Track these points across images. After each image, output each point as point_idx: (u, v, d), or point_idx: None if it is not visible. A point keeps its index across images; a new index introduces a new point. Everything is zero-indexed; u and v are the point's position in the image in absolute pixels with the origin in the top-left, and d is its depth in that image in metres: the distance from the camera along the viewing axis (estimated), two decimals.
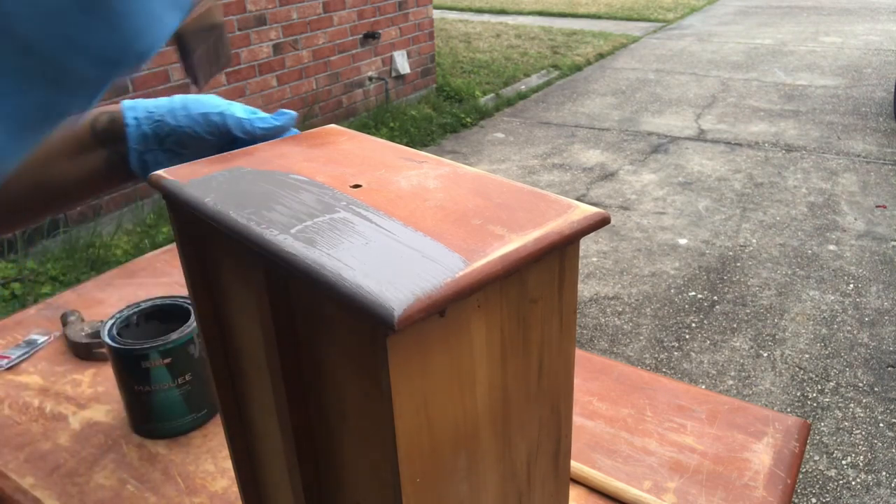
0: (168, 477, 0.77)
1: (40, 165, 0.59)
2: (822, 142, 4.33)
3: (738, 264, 3.02)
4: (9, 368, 0.95)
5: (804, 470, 2.00)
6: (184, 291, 1.06)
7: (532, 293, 0.41)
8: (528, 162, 4.22)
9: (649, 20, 8.23)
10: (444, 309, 0.35)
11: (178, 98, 0.60)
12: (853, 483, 1.95)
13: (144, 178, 0.59)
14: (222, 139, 0.59)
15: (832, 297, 2.76)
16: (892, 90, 4.92)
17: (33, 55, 0.27)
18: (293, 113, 0.57)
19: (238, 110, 0.58)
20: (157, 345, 0.78)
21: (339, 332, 0.40)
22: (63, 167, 0.60)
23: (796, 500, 1.91)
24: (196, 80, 0.58)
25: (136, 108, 0.59)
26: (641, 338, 2.57)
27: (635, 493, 0.71)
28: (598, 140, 4.53)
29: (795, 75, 5.75)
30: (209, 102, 0.59)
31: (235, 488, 0.63)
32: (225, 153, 0.51)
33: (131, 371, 0.79)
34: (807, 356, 2.44)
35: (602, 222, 0.41)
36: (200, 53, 0.56)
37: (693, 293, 2.83)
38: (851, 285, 2.84)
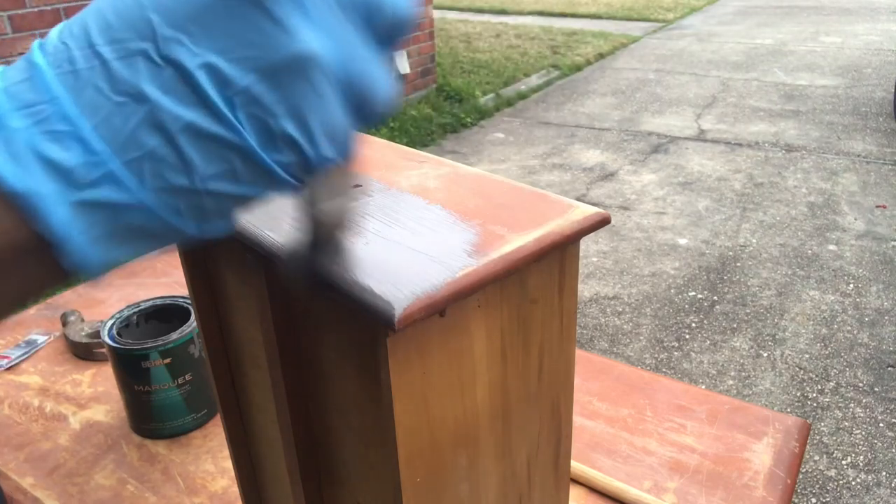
0: (168, 477, 0.77)
1: None
2: (822, 142, 4.33)
3: (738, 264, 3.02)
4: (9, 368, 0.95)
5: (804, 470, 2.00)
6: (184, 291, 1.05)
7: (532, 293, 0.41)
8: (528, 162, 4.22)
9: (649, 20, 8.22)
10: (444, 309, 0.35)
11: None
12: (853, 483, 1.95)
13: None
14: None
15: (832, 297, 2.76)
16: (892, 90, 4.92)
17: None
18: None
19: None
20: (157, 345, 0.78)
21: (339, 332, 0.40)
22: None
23: (796, 500, 1.91)
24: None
25: None
26: (641, 338, 2.57)
27: (635, 493, 0.71)
28: (598, 140, 4.52)
29: (795, 75, 5.75)
30: None
31: (235, 488, 0.63)
32: None
33: (131, 371, 0.79)
34: (807, 356, 2.44)
35: (602, 222, 0.41)
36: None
37: (693, 293, 2.83)
38: (851, 285, 2.84)
